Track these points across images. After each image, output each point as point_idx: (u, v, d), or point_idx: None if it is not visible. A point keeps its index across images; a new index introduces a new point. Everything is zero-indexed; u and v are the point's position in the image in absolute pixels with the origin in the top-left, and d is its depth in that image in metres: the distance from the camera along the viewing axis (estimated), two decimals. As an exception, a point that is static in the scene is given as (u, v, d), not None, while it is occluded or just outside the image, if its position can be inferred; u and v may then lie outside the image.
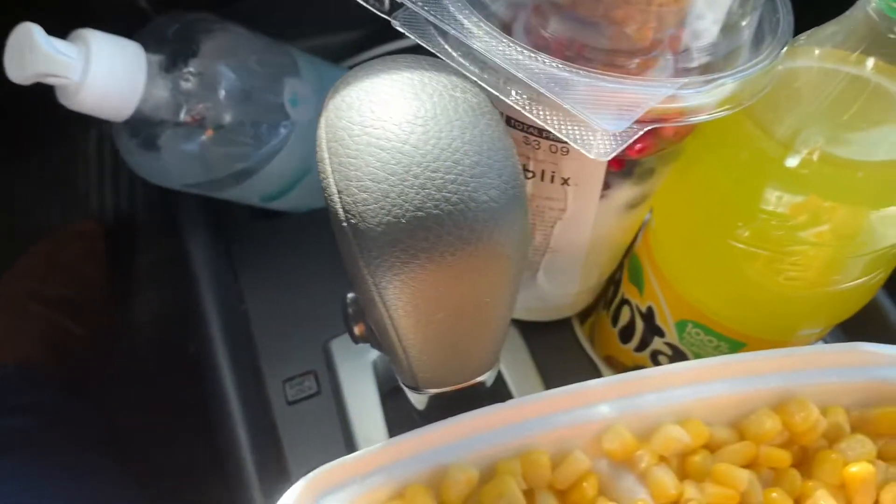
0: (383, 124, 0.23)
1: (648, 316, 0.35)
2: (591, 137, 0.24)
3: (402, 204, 0.22)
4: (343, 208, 0.23)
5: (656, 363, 0.37)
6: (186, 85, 0.37)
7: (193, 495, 0.44)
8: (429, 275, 0.23)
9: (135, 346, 0.63)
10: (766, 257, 0.30)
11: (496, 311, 0.26)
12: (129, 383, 0.57)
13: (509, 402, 0.28)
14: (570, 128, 0.24)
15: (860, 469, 0.29)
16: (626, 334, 0.38)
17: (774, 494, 0.29)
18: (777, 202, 0.29)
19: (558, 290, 0.36)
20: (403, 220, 0.22)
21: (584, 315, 0.41)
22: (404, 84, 0.24)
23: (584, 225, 0.31)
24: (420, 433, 0.28)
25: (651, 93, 0.24)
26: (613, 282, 0.39)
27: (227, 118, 0.38)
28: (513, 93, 0.25)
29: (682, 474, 0.29)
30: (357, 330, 0.28)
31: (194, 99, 0.37)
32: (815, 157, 0.28)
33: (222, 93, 0.37)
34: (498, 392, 0.29)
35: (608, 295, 0.40)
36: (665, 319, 0.35)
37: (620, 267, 0.38)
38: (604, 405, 0.29)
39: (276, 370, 0.38)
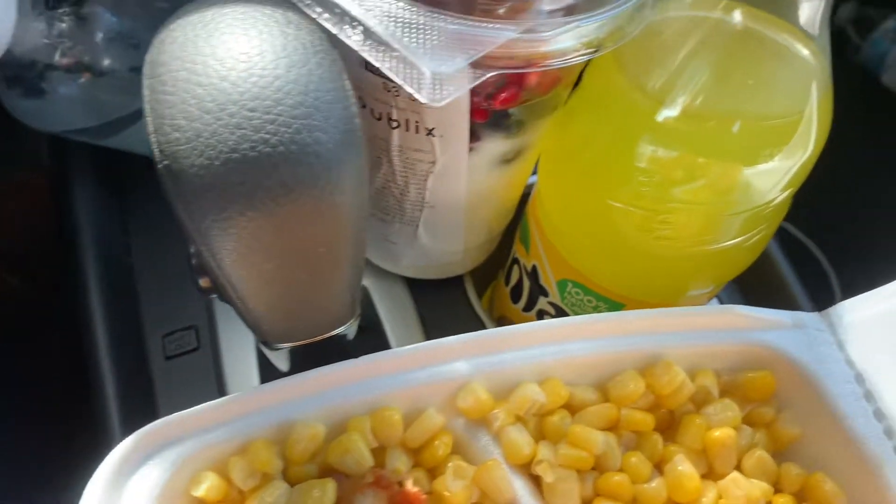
0: (205, 59, 0.22)
1: (533, 275, 0.35)
2: (425, 81, 0.22)
3: (215, 145, 0.21)
4: (158, 149, 0.22)
5: (543, 324, 0.36)
6: (62, 26, 0.35)
7: (61, 444, 0.43)
8: (250, 222, 0.22)
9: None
10: (641, 216, 0.29)
11: (335, 261, 0.25)
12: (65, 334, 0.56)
13: (362, 358, 0.27)
14: (406, 71, 0.23)
15: (721, 434, 0.28)
16: (516, 294, 0.37)
17: (633, 459, 0.28)
18: (650, 159, 0.28)
19: (442, 248, 0.35)
20: (217, 162, 0.21)
21: (482, 275, 0.40)
22: (235, 18, 0.23)
23: (456, 179, 0.30)
24: (265, 388, 0.27)
25: (491, 35, 0.23)
26: (509, 241, 0.38)
27: (106, 62, 0.36)
28: (352, 33, 0.23)
29: (541, 435, 0.28)
30: (202, 282, 0.27)
31: (70, 41, 0.35)
32: (685, 112, 0.27)
33: (100, 35, 0.36)
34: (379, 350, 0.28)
35: (505, 254, 0.39)
36: (548, 279, 0.34)
37: (515, 226, 0.37)
38: (460, 362, 0.28)
39: (157, 325, 0.37)
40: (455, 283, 0.38)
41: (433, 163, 0.30)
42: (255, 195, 0.22)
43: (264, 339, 0.28)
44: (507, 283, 0.38)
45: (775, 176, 0.28)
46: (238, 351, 0.35)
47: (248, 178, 0.21)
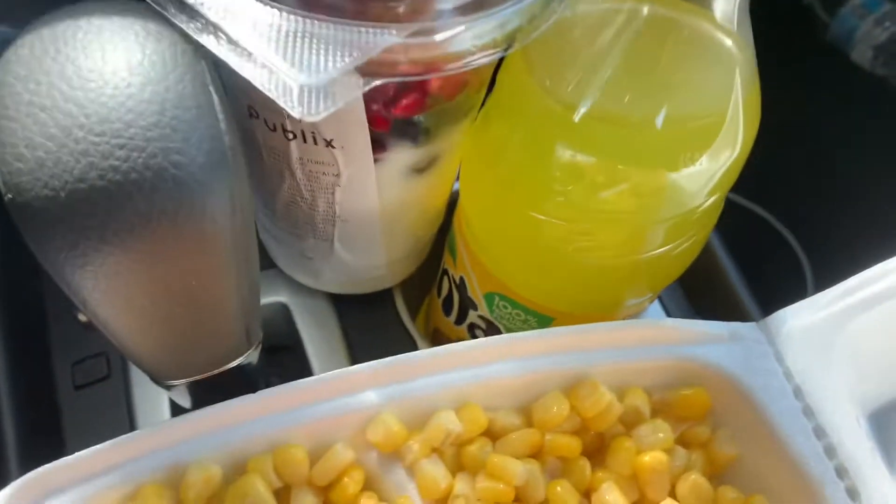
0: (49, 80, 0.20)
1: (462, 287, 0.33)
2: (296, 93, 0.20)
3: (59, 174, 0.19)
4: (2, 180, 0.20)
5: (474, 337, 0.34)
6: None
7: None
8: (107, 257, 0.20)
9: None
10: (563, 228, 0.27)
11: (215, 293, 0.22)
12: None
13: (260, 393, 0.25)
14: (277, 82, 0.21)
15: (651, 458, 0.26)
16: (447, 306, 0.35)
17: (559, 488, 0.26)
18: (567, 167, 0.26)
19: (362, 262, 0.32)
20: (63, 194, 0.19)
21: (416, 287, 0.38)
22: (88, 32, 0.21)
23: (366, 190, 0.28)
24: (158, 428, 0.25)
25: (371, 40, 0.21)
26: (441, 251, 0.36)
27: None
28: (217, 43, 0.21)
29: (460, 466, 0.27)
30: (81, 317, 0.25)
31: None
32: (601, 115, 0.25)
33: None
34: (299, 376, 0.26)
35: (438, 265, 0.37)
36: (475, 292, 0.32)
37: (446, 234, 0.35)
38: (371, 392, 0.26)
39: (66, 352, 0.35)
40: (384, 296, 0.36)
41: (338, 175, 0.27)
42: (108, 228, 0.19)
43: (154, 378, 0.26)
44: (438, 294, 0.36)
45: (701, 179, 0.26)
46: (147, 380, 0.33)
47: (98, 210, 0.19)
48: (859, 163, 0.65)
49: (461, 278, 0.32)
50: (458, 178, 0.32)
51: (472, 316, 0.33)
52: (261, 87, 0.21)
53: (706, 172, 0.26)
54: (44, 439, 0.33)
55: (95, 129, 0.19)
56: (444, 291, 0.35)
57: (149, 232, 0.20)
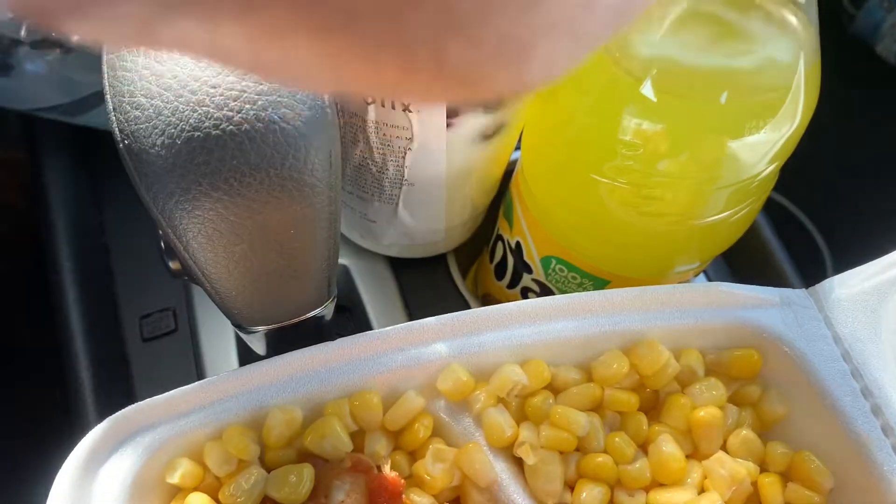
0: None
1: (517, 252, 0.34)
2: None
3: (176, 123, 0.20)
4: (118, 128, 0.21)
5: (527, 301, 0.35)
6: None
7: (36, 430, 0.42)
8: (215, 203, 0.21)
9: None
10: (626, 191, 0.28)
11: (307, 242, 0.24)
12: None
13: (338, 341, 0.27)
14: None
15: (706, 413, 0.27)
16: (500, 270, 0.36)
17: (617, 439, 0.27)
18: (634, 133, 0.27)
19: (424, 226, 0.34)
20: (179, 141, 0.20)
21: (467, 253, 0.39)
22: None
23: (436, 155, 0.29)
24: (240, 372, 0.26)
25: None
26: (494, 218, 0.37)
27: (75, 38, 0.35)
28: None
29: (523, 416, 0.28)
30: (173, 265, 0.26)
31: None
32: (669, 84, 0.26)
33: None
34: (359, 332, 0.28)
35: (489, 232, 0.38)
36: (532, 255, 0.33)
37: (499, 202, 0.37)
38: (440, 344, 0.27)
39: (134, 307, 0.36)
40: (438, 261, 0.37)
41: (411, 139, 0.29)
42: (220, 175, 0.21)
43: (237, 323, 0.27)
44: (491, 260, 0.37)
45: (761, 149, 0.27)
46: (216, 333, 0.35)
47: (211, 158, 0.21)
48: (880, 151, 0.66)
49: (517, 243, 0.34)
50: (516, 147, 0.33)
51: (525, 280, 0.34)
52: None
53: (767, 142, 0.27)
54: (116, 388, 0.34)
55: (210, 82, 0.20)
56: (498, 257, 0.36)
57: (257, 181, 0.21)
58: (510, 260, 0.35)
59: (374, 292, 0.36)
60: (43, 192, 0.38)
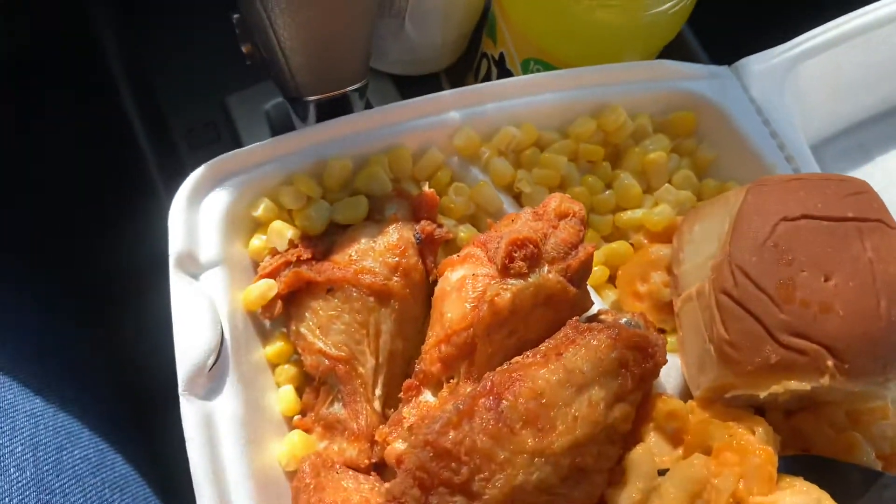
0: None
1: (500, 62, 0.42)
2: None
3: None
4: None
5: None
6: None
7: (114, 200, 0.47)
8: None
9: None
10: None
11: (361, 13, 0.31)
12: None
13: (376, 109, 0.34)
14: None
15: (655, 156, 0.36)
16: (486, 83, 0.44)
17: (590, 178, 0.36)
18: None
19: (424, 41, 0.41)
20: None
21: (456, 73, 0.47)
22: None
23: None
24: (302, 132, 0.34)
25: None
26: (476, 48, 0.45)
27: None
28: None
29: (518, 166, 0.36)
30: (244, 48, 0.33)
31: None
32: None
33: None
34: None
35: (473, 58, 0.46)
36: (514, 62, 0.41)
37: (480, 32, 0.44)
38: (454, 112, 0.35)
39: (181, 121, 0.43)
40: (433, 80, 0.45)
41: (419, -47, 0.36)
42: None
43: (295, 94, 0.34)
44: (476, 78, 0.45)
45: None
46: (255, 140, 0.42)
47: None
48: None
49: (500, 54, 0.41)
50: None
51: (508, 84, 0.42)
52: None
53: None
54: (173, 171, 0.41)
55: None
56: (483, 73, 0.44)
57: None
58: (494, 72, 0.43)
59: (383, 103, 0.43)
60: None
